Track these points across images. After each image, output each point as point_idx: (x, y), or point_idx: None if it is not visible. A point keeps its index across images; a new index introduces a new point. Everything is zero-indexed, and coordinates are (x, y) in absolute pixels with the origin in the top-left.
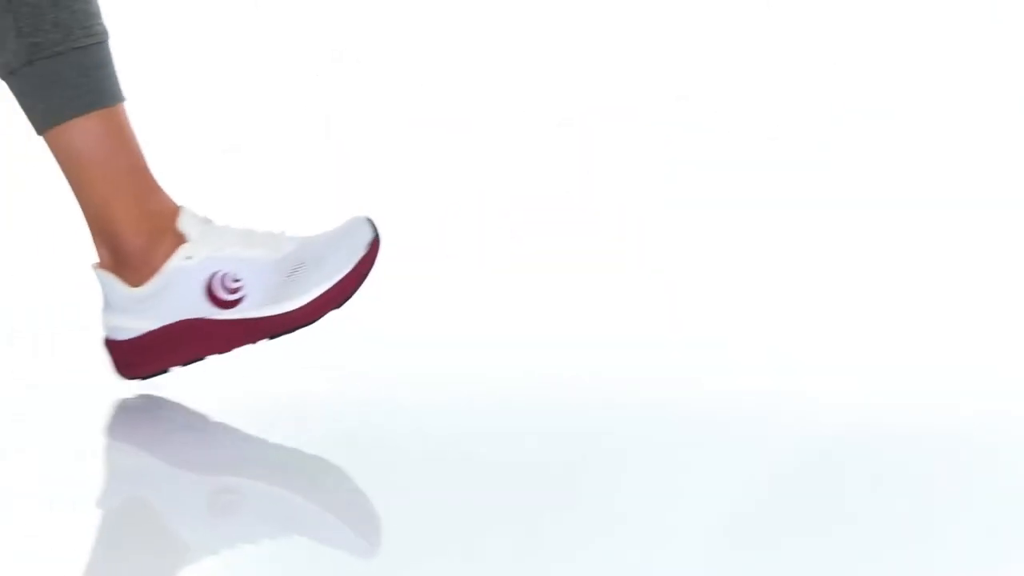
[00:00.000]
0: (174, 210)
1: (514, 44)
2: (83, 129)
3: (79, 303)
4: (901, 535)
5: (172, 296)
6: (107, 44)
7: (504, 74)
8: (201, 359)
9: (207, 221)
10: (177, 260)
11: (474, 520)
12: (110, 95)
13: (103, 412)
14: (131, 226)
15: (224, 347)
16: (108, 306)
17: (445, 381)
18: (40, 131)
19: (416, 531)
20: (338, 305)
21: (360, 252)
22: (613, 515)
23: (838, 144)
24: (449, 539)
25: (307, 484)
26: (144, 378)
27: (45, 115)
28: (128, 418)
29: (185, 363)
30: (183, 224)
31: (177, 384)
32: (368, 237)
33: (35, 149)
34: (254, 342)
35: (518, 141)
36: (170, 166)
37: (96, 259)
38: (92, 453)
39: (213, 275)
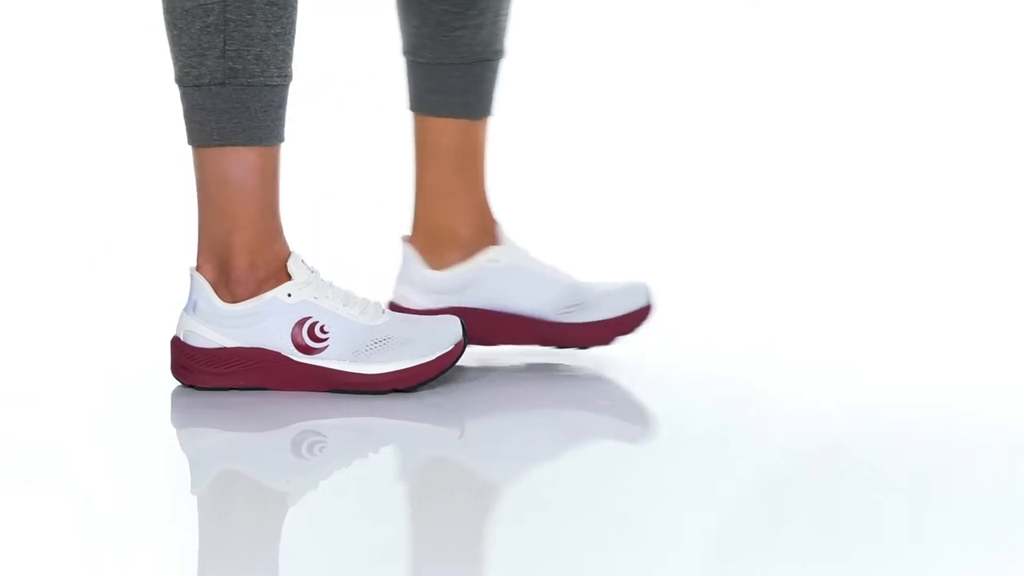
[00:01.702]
0: (287, 254)
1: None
2: (243, 159)
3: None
4: (901, 535)
5: (260, 323)
6: (288, 87)
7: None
8: (259, 389)
9: (314, 271)
10: (277, 293)
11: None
12: (277, 134)
13: (157, 402)
14: (247, 258)
15: (286, 385)
16: (193, 310)
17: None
18: (198, 144)
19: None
20: (405, 387)
21: (445, 348)
22: (612, 515)
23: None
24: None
25: (370, 416)
26: (197, 387)
27: (214, 134)
28: (184, 402)
29: (244, 387)
30: (292, 266)
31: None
32: (456, 337)
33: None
34: (317, 389)
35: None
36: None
37: (196, 265)
38: (165, 444)
39: (305, 320)
